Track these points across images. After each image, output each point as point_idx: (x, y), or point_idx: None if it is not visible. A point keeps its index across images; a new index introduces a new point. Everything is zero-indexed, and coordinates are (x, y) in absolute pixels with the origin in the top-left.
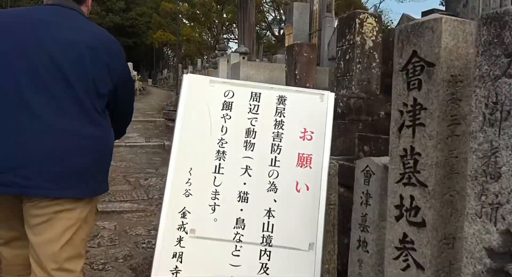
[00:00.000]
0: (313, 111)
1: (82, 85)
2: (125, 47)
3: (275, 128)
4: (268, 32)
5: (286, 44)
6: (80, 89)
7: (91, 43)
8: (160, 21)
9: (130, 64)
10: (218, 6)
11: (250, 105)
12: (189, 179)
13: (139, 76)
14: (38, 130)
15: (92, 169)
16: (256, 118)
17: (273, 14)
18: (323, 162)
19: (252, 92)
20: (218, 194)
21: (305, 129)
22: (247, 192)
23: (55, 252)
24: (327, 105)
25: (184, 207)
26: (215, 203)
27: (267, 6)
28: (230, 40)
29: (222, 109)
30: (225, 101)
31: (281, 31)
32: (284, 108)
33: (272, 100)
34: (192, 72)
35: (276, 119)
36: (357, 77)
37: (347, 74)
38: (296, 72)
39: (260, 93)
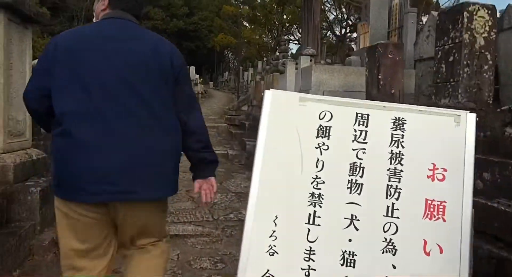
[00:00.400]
0: (445, 139)
1: (150, 96)
2: (188, 51)
3: (391, 164)
4: (329, 32)
5: (361, 44)
6: (149, 100)
7: (152, 50)
8: (221, 25)
9: (192, 68)
10: (279, 8)
11: (355, 131)
12: (274, 231)
13: (201, 79)
14: (118, 141)
15: (169, 171)
16: (364, 149)
17: (335, 13)
18: (464, 213)
19: (357, 114)
20: (314, 254)
21: (434, 165)
22: (353, 252)
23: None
24: (465, 131)
25: (268, 270)
26: (309, 266)
27: (328, 5)
28: (290, 41)
29: (317, 137)
30: (320, 125)
31: (343, 31)
32: (402, 136)
33: (386, 124)
34: (253, 75)
35: (392, 150)
36: (464, 83)
37: (451, 80)
38: (380, 76)
39: (368, 115)
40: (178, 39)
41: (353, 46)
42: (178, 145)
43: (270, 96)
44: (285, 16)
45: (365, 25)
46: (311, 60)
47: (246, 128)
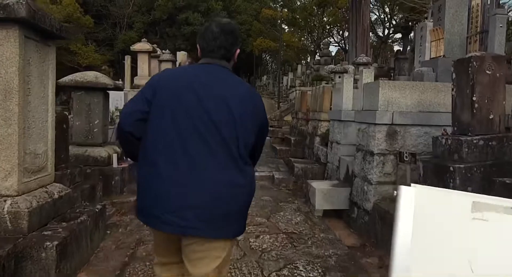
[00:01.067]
0: None
1: (232, 138)
2: None
3: None
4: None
5: (433, 53)
6: (230, 141)
7: (239, 98)
8: (260, 28)
9: None
10: (319, 10)
11: None
12: None
13: None
14: (197, 179)
15: (238, 214)
16: None
17: (377, 13)
18: None
19: None
20: None
21: None
22: None
23: None
24: None
25: None
26: None
27: (371, 5)
28: (331, 43)
29: None
30: None
31: (385, 32)
32: None
33: None
34: (293, 79)
35: None
36: None
37: None
38: (474, 97)
39: None
40: None
41: (398, 48)
42: (251, 190)
43: (410, 200)
44: (325, 18)
45: (438, 30)
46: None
47: (291, 144)
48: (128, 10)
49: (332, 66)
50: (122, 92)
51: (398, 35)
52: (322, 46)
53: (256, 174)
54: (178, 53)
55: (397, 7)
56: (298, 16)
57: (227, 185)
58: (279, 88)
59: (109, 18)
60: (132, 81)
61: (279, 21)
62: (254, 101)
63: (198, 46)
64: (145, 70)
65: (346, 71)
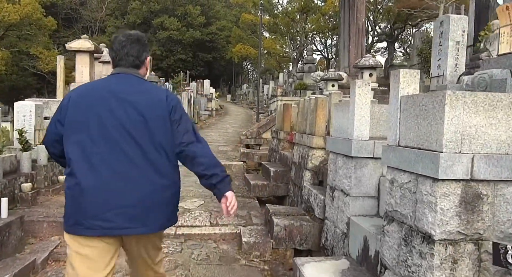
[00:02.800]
0: None
1: (148, 142)
2: (204, 63)
3: None
4: None
5: (507, 47)
6: (146, 145)
7: (151, 103)
8: (240, 34)
9: (206, 82)
10: (302, 16)
11: None
12: None
13: (217, 93)
14: (117, 183)
15: (161, 210)
16: None
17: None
18: None
19: None
20: None
21: None
22: None
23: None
24: None
25: None
26: None
27: None
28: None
29: None
30: None
31: (369, 40)
32: None
33: None
34: (274, 88)
35: None
36: None
37: None
38: None
39: None
40: (194, 50)
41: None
42: (171, 185)
43: None
44: (308, 25)
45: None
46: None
47: (270, 176)
48: (101, 14)
49: (320, 72)
50: (32, 104)
51: (382, 44)
52: (306, 52)
53: (217, 230)
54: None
55: (381, 16)
56: (279, 22)
57: (144, 186)
58: (258, 98)
59: (79, 21)
60: (68, 89)
61: (259, 26)
62: (168, 104)
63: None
64: (86, 75)
65: (341, 78)
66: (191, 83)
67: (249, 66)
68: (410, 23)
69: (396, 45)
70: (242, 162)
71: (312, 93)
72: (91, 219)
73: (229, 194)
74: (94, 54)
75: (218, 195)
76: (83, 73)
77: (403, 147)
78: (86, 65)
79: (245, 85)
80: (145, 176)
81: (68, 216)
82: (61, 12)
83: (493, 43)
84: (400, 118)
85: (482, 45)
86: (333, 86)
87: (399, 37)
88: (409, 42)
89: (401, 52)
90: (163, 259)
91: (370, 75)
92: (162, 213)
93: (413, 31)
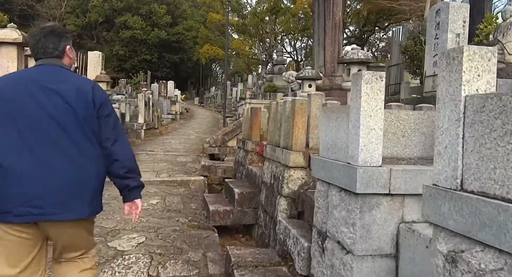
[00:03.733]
0: None
1: (73, 130)
2: (170, 64)
3: None
4: None
5: None
6: (72, 133)
7: (75, 91)
8: (207, 35)
9: (170, 83)
10: (271, 17)
11: None
12: None
13: (183, 95)
14: (43, 171)
15: (87, 195)
16: None
17: None
18: None
19: None
20: None
21: None
22: None
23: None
24: None
25: None
26: None
27: None
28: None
29: None
30: None
31: None
32: None
33: None
34: (243, 90)
35: None
36: None
37: None
38: None
39: None
40: (160, 51)
41: None
42: (98, 171)
43: None
44: (277, 26)
45: None
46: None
47: (235, 200)
48: (60, 11)
49: (293, 72)
50: None
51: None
52: (276, 53)
53: None
54: (90, 53)
55: (350, 19)
56: (248, 23)
57: (70, 172)
58: (225, 100)
59: (36, 19)
60: None
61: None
62: (95, 97)
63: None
64: (13, 70)
65: (319, 77)
66: (152, 84)
67: (217, 69)
68: (379, 26)
69: (365, 48)
70: (203, 177)
71: (284, 96)
72: (19, 206)
73: (139, 201)
74: (25, 48)
75: (127, 198)
76: (8, 69)
77: (477, 195)
78: (13, 60)
79: (214, 88)
80: (72, 163)
81: None
82: (15, 9)
83: (508, 33)
84: (464, 138)
85: (492, 36)
86: (310, 86)
87: (368, 40)
88: (377, 46)
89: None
90: (94, 261)
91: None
92: (90, 199)
93: (383, 33)
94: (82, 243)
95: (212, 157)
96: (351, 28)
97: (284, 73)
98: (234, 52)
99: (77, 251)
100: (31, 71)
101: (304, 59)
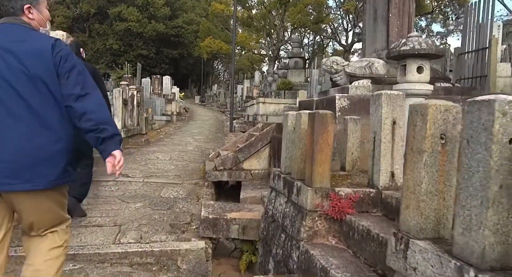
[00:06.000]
0: None
1: (30, 91)
2: (169, 60)
3: None
4: (332, 40)
5: None
6: (27, 95)
7: (33, 52)
8: (209, 27)
9: (166, 78)
10: (280, 8)
11: None
12: None
13: (182, 93)
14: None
15: (47, 164)
16: None
17: (339, 21)
18: None
19: None
20: None
21: None
22: None
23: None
24: None
25: None
26: None
27: (332, 12)
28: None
29: None
30: None
31: (349, 40)
32: None
33: None
34: (249, 88)
35: None
36: None
37: None
38: None
39: None
40: (158, 45)
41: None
42: (61, 138)
43: None
44: (287, 19)
45: None
46: None
47: None
48: (49, 1)
49: (338, 58)
50: None
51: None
52: (291, 43)
53: None
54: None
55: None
56: (254, 16)
57: (31, 139)
58: (233, 99)
59: None
60: None
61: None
62: (56, 53)
63: None
64: None
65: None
66: (143, 79)
67: (220, 66)
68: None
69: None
70: (204, 243)
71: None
72: None
73: (117, 153)
74: None
75: (104, 154)
76: None
77: None
78: None
79: (216, 85)
80: (28, 129)
81: None
82: None
83: None
84: None
85: None
86: (420, 70)
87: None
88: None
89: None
90: (66, 237)
91: (419, 69)
92: (50, 168)
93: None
94: (50, 217)
95: (218, 185)
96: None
97: (324, 60)
98: (238, 47)
99: (45, 226)
100: None
101: (310, 57)
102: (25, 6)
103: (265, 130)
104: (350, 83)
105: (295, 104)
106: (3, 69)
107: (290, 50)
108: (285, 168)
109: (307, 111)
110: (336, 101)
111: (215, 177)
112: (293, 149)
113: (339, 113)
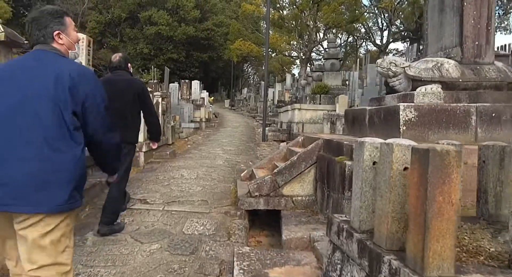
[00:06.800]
0: None
1: (44, 113)
2: (199, 63)
3: None
4: (366, 41)
5: None
6: (43, 117)
7: (54, 80)
8: (239, 29)
9: (195, 83)
10: (313, 7)
11: None
12: None
13: (212, 98)
14: (5, 161)
15: (51, 188)
16: None
17: (373, 20)
18: None
19: None
20: None
21: None
22: None
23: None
24: None
25: None
26: None
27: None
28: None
29: None
30: None
31: (384, 40)
32: None
33: None
34: (281, 92)
35: None
36: None
37: None
38: None
39: None
40: (188, 49)
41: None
42: (71, 161)
43: None
44: (321, 18)
45: None
46: None
47: None
48: (82, 7)
49: (397, 58)
50: None
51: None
52: (328, 43)
53: None
54: None
55: (400, 13)
56: (285, 16)
57: (37, 161)
58: (265, 105)
59: None
60: None
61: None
62: (74, 82)
63: None
64: None
65: None
66: (171, 85)
67: (249, 69)
68: None
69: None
70: None
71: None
72: None
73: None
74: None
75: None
76: None
77: None
78: None
79: (246, 89)
80: (37, 151)
81: None
82: (34, 3)
83: None
84: None
85: None
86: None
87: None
88: None
89: (420, 53)
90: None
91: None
92: (55, 192)
93: None
94: (40, 251)
95: (254, 213)
96: (397, 23)
97: (379, 61)
98: (268, 50)
99: (34, 264)
100: (22, 57)
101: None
102: (55, 33)
103: (309, 147)
104: (413, 89)
105: (335, 110)
106: (27, 93)
107: (326, 50)
108: (360, 223)
109: (404, 143)
110: (401, 113)
111: (250, 206)
112: (375, 198)
113: (404, 128)
